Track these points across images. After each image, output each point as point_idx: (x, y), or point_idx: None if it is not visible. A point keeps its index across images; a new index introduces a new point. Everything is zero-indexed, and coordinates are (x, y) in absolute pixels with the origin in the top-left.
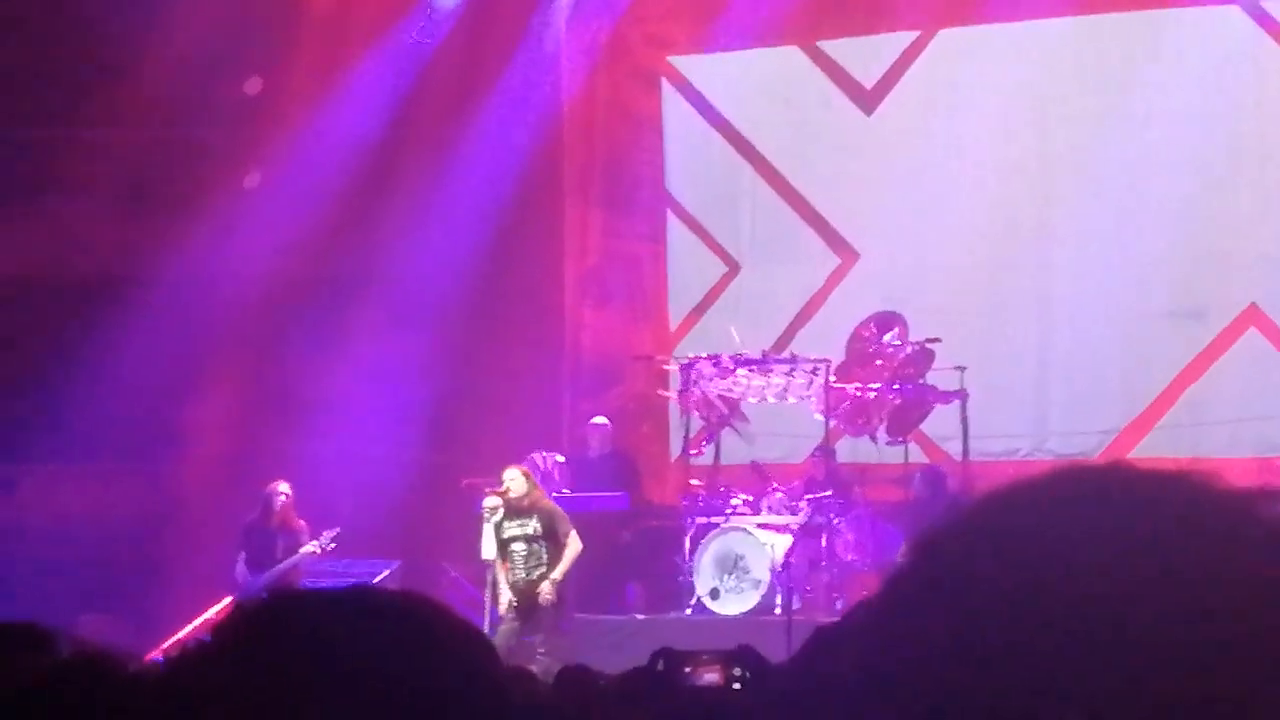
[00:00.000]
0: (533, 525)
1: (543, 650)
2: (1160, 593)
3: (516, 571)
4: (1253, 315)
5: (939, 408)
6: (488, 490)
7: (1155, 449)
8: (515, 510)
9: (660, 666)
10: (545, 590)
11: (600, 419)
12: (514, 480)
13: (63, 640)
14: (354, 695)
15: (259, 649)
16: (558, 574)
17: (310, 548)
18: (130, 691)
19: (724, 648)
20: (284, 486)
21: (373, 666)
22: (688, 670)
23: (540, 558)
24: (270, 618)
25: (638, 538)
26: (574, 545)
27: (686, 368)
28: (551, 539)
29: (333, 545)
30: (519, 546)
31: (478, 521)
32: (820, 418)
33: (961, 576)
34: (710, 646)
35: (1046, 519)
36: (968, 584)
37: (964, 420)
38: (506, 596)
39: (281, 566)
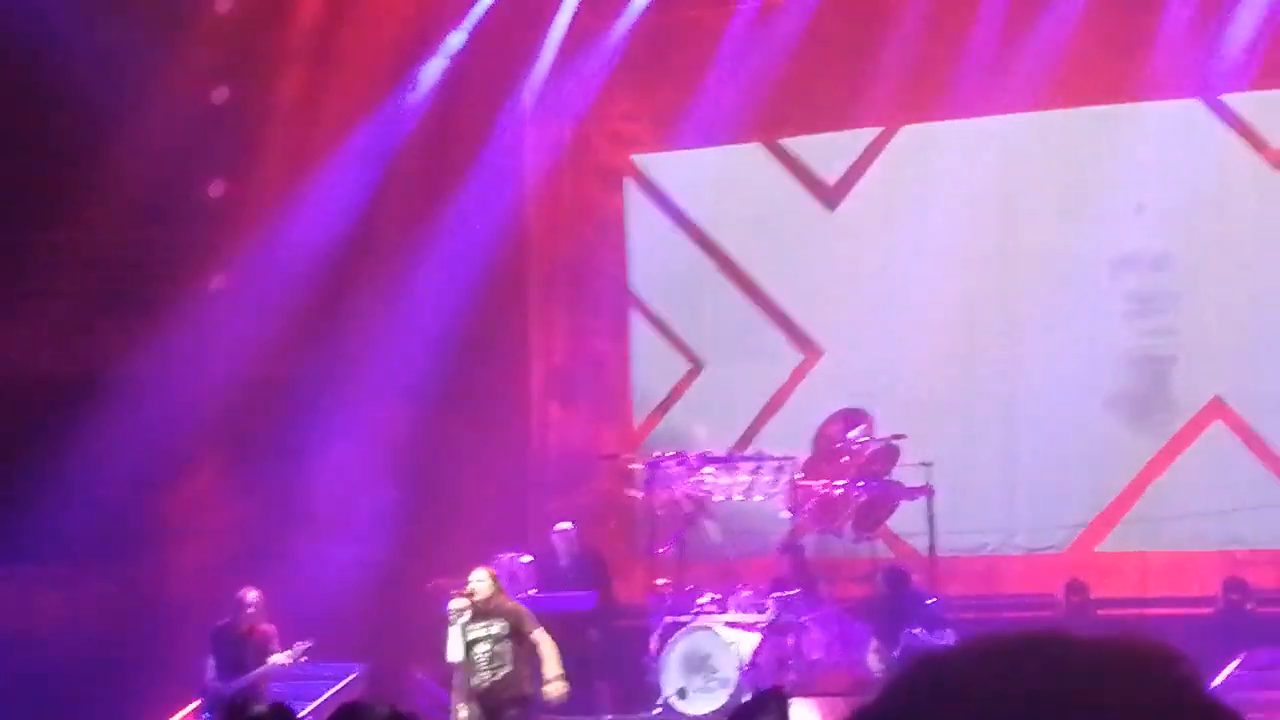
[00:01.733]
0: (497, 626)
1: None
2: None
3: (480, 674)
4: (1217, 409)
5: (905, 504)
6: (454, 592)
7: (1122, 543)
8: (480, 612)
9: None
10: (553, 691)
11: (564, 525)
12: (480, 582)
13: None
14: None
15: None
16: (556, 669)
17: (281, 658)
18: None
19: None
20: (252, 594)
21: None
22: None
23: (504, 659)
24: None
25: (605, 637)
26: (546, 640)
27: (652, 466)
28: (517, 638)
29: (304, 658)
30: (483, 648)
31: (443, 623)
32: (787, 515)
33: None
34: None
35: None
36: None
37: (930, 516)
38: (463, 713)
39: (252, 675)
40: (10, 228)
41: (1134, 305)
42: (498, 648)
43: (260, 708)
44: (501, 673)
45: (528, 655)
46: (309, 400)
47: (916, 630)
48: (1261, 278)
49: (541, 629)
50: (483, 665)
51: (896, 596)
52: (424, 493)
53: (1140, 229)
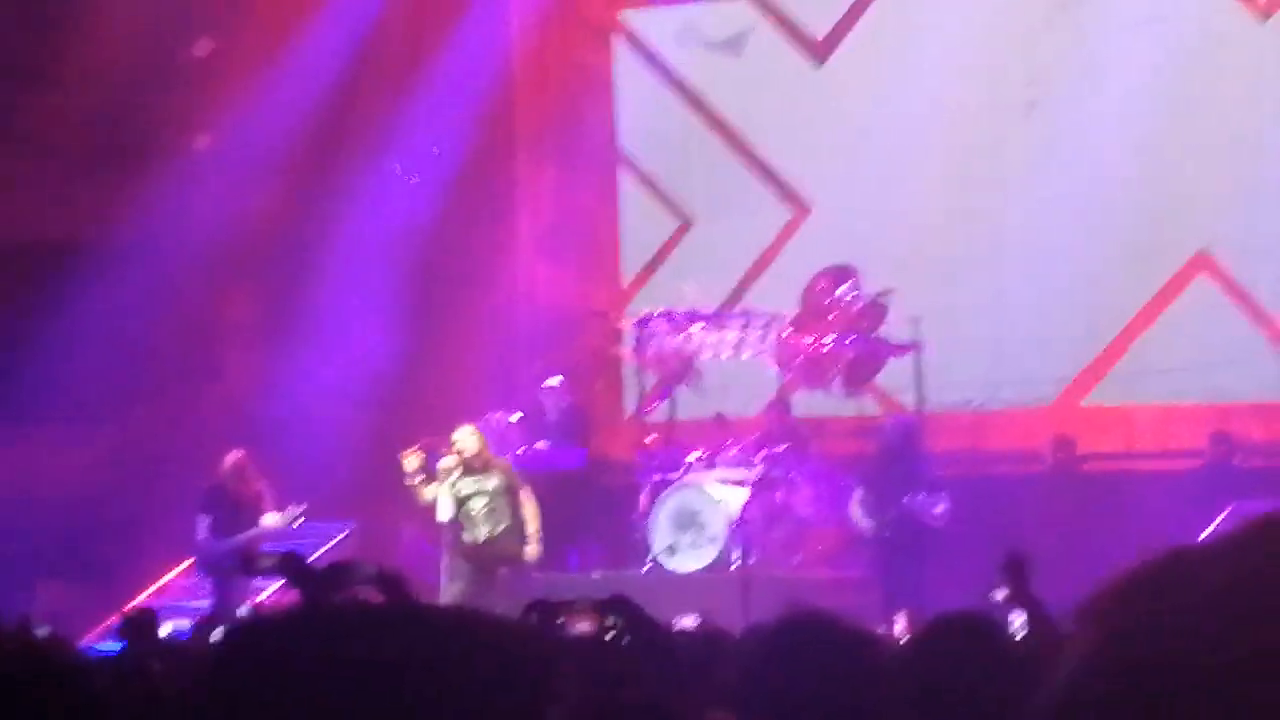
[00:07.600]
0: (494, 481)
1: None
2: None
3: (477, 529)
4: (1203, 261)
5: (894, 360)
6: (442, 451)
7: (1108, 397)
8: (472, 468)
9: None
10: (532, 552)
11: (552, 380)
12: (468, 438)
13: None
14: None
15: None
16: (536, 529)
17: (274, 520)
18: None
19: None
20: (231, 458)
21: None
22: (560, 621)
23: (503, 514)
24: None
25: (594, 495)
26: (532, 500)
27: (641, 324)
28: (511, 494)
29: (299, 521)
30: (480, 503)
31: (423, 483)
32: (775, 372)
33: None
34: (665, 603)
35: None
36: None
37: (918, 371)
38: (452, 576)
39: (245, 536)
40: None
41: (1120, 158)
42: (495, 503)
43: (269, 560)
44: (500, 527)
45: (518, 512)
46: (295, 261)
47: (919, 497)
48: (1248, 130)
49: (527, 488)
50: (481, 520)
51: (903, 451)
52: (413, 350)
53: (1129, 78)
